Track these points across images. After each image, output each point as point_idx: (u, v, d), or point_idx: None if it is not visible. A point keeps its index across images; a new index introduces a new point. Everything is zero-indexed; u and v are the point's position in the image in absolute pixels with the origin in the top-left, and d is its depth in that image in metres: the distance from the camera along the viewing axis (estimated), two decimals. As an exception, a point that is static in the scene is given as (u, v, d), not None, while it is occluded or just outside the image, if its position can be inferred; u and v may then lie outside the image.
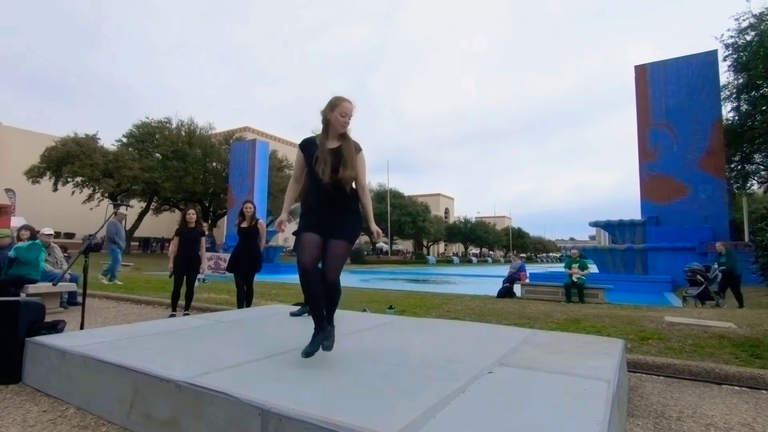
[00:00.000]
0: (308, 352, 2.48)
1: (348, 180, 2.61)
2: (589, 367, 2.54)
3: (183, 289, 5.79)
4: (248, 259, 5.60)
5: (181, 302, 5.83)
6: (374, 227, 2.71)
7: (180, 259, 5.67)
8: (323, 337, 2.59)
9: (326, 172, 2.57)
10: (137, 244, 43.45)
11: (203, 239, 5.93)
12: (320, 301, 2.60)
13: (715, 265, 9.43)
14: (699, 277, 9.31)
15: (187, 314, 5.54)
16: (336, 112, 2.62)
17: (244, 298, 5.67)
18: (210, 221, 36.65)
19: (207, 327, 3.75)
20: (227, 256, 11.25)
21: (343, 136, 2.70)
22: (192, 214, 5.85)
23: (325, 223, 2.59)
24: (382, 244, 56.20)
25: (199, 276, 6.38)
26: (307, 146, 2.71)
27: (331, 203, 2.62)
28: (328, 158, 2.58)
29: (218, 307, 6.30)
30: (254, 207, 5.82)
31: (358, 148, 2.71)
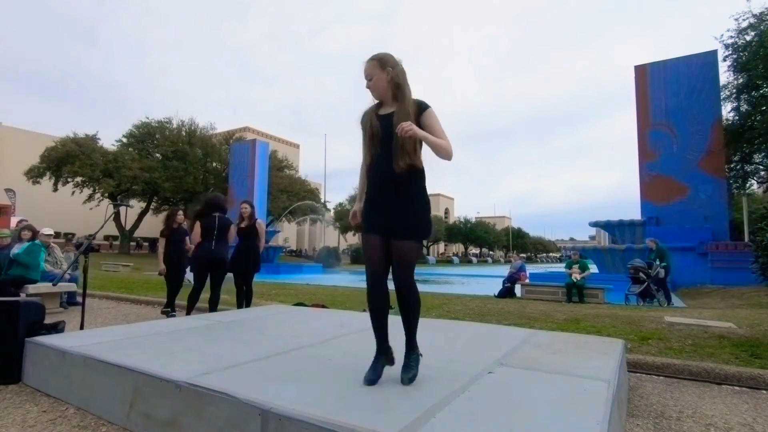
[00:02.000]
0: (369, 380, 2.10)
1: (403, 162, 2.03)
2: (589, 367, 2.53)
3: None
4: (247, 260, 5.61)
5: (181, 303, 5.83)
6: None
7: (172, 261, 5.73)
8: (385, 362, 2.21)
9: (373, 148, 2.12)
10: (146, 243, 43.59)
11: (188, 239, 5.97)
12: (381, 317, 2.21)
13: (657, 262, 9.28)
14: (641, 274, 9.19)
15: (174, 315, 5.54)
16: None
17: (244, 298, 5.68)
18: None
19: (207, 327, 3.75)
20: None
21: (397, 99, 2.12)
22: (180, 214, 5.97)
23: (384, 219, 2.11)
24: None
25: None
26: (363, 117, 2.23)
27: (389, 191, 2.10)
28: (377, 129, 2.10)
29: (218, 307, 6.29)
30: (251, 207, 5.82)
31: (423, 107, 2.11)
